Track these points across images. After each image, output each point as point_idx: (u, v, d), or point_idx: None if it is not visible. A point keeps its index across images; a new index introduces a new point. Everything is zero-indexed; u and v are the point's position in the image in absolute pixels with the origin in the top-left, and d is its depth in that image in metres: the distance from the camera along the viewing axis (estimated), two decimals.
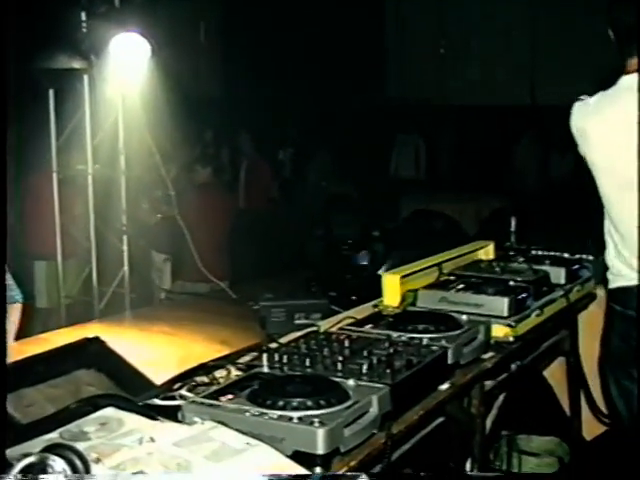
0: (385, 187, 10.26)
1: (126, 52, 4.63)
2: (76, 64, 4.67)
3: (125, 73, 4.76)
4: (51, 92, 5.02)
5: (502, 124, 11.51)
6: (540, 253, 3.58)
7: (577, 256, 3.55)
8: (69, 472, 1.57)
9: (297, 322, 3.03)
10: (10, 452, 1.71)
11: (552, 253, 3.56)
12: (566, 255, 3.57)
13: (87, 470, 1.59)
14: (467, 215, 8.98)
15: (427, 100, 12.24)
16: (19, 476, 1.52)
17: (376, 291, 3.02)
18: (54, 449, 1.61)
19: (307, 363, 2.20)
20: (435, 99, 12.28)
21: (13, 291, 3.92)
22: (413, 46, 13.36)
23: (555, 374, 3.72)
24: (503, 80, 12.30)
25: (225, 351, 2.69)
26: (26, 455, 1.59)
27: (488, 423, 2.98)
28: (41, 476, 1.53)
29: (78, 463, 1.58)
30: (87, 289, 5.32)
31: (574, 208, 7.60)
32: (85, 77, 4.88)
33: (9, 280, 3.88)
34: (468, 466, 2.79)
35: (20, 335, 3.89)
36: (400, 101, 12.71)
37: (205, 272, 5.05)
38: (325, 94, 11.26)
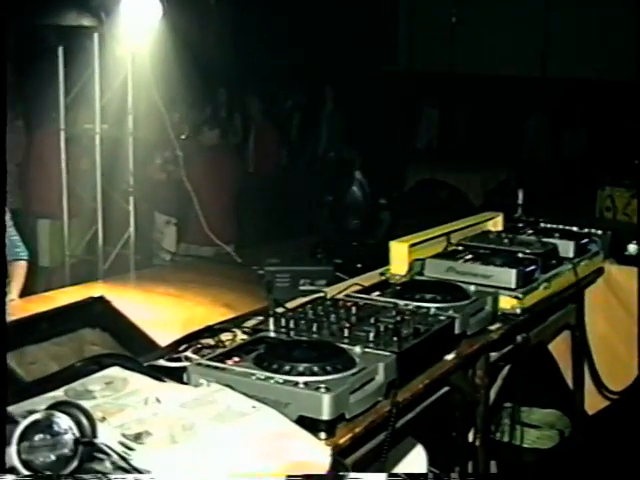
0: (393, 155, 10.19)
1: (137, 11, 4.56)
2: (86, 22, 4.61)
3: (136, 32, 4.68)
4: (60, 49, 4.96)
5: (511, 95, 11.42)
6: (549, 226, 3.56)
7: (586, 230, 3.53)
8: (75, 430, 1.57)
9: (302, 288, 3.02)
10: (15, 409, 1.70)
11: (561, 226, 3.54)
12: (575, 229, 3.54)
13: (93, 428, 1.58)
14: (473, 186, 8.93)
15: (437, 70, 12.14)
16: None
17: (382, 259, 3.00)
18: (60, 406, 1.60)
19: (314, 329, 2.19)
20: (445, 69, 12.18)
21: (19, 247, 3.91)
22: (424, 15, 13.21)
23: (559, 347, 3.72)
24: (514, 51, 12.18)
25: (229, 314, 2.68)
26: (31, 412, 1.58)
27: (492, 394, 2.98)
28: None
29: (84, 421, 1.58)
30: (91, 249, 5.30)
31: (581, 182, 7.56)
32: (95, 35, 4.82)
33: (15, 236, 3.86)
34: (470, 436, 2.79)
35: (24, 293, 3.89)
36: (410, 70, 12.61)
37: (211, 235, 5.02)
38: (337, 62, 11.15)
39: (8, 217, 3.83)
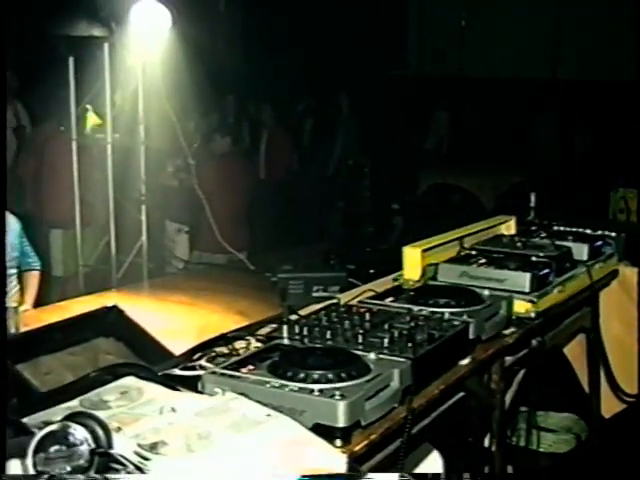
0: (405, 160, 10.15)
1: (147, 20, 4.57)
2: (96, 32, 4.62)
3: (146, 42, 4.69)
4: (71, 60, 4.98)
5: (522, 98, 11.38)
6: (562, 229, 3.54)
7: (600, 232, 3.50)
8: (91, 441, 1.56)
9: (315, 294, 3.01)
10: (30, 420, 1.70)
11: (575, 229, 3.51)
12: (589, 231, 3.52)
13: (109, 439, 1.58)
14: (485, 189, 8.90)
15: (447, 73, 12.13)
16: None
17: (395, 264, 2.99)
18: (76, 417, 1.59)
19: (328, 336, 2.18)
20: (455, 72, 12.16)
21: (31, 258, 3.94)
22: (434, 18, 13.21)
23: (574, 351, 3.69)
24: (523, 54, 12.16)
25: (243, 322, 2.68)
26: (47, 423, 1.58)
27: (507, 399, 2.96)
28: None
29: (100, 432, 1.57)
30: (104, 258, 5.31)
31: (593, 184, 7.52)
32: (105, 45, 4.83)
33: (27, 246, 3.89)
34: (487, 441, 2.77)
35: (38, 302, 3.91)
36: (420, 74, 12.60)
37: (223, 243, 5.02)
38: (347, 65, 11.14)
39: (20, 227, 3.85)
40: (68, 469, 1.54)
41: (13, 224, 3.77)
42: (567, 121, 11.11)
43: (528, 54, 12.07)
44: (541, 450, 3.60)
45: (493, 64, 12.26)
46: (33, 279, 3.96)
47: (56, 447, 1.55)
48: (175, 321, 2.99)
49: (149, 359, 2.24)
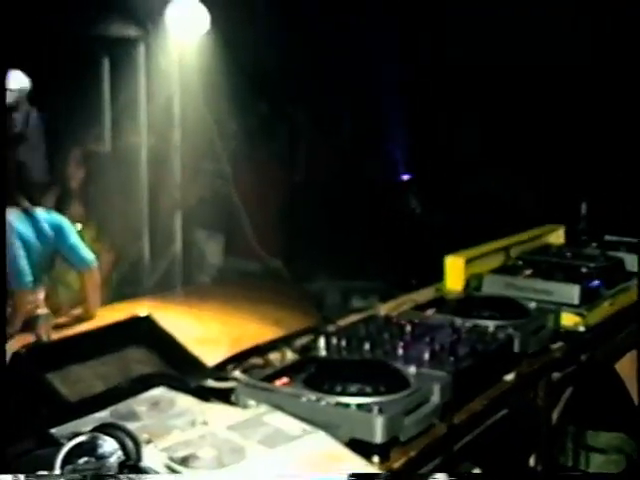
0: (449, 165, 9.91)
1: (184, 20, 4.47)
2: (131, 32, 4.53)
3: (183, 42, 4.59)
4: (105, 61, 4.89)
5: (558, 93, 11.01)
6: (614, 239, 3.41)
7: None
8: (120, 453, 1.52)
9: (354, 304, 2.95)
10: (59, 430, 1.67)
11: (627, 239, 3.38)
12: None
13: (138, 451, 1.53)
14: (532, 197, 8.72)
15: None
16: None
17: (437, 274, 2.90)
18: (105, 429, 1.55)
19: (366, 348, 2.12)
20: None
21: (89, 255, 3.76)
22: None
23: (627, 367, 3.54)
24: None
25: (279, 332, 2.62)
26: (76, 434, 1.54)
27: (554, 417, 2.85)
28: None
29: (130, 444, 1.53)
30: (137, 265, 5.22)
31: None
32: (141, 46, 4.73)
33: (79, 243, 3.72)
34: (532, 461, 2.67)
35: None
36: None
37: (259, 250, 4.92)
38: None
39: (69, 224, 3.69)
40: None
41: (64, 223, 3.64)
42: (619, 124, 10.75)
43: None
44: (590, 471, 3.46)
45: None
46: (96, 274, 3.75)
47: (85, 459, 1.51)
48: (209, 330, 2.94)
49: (181, 370, 2.19)
